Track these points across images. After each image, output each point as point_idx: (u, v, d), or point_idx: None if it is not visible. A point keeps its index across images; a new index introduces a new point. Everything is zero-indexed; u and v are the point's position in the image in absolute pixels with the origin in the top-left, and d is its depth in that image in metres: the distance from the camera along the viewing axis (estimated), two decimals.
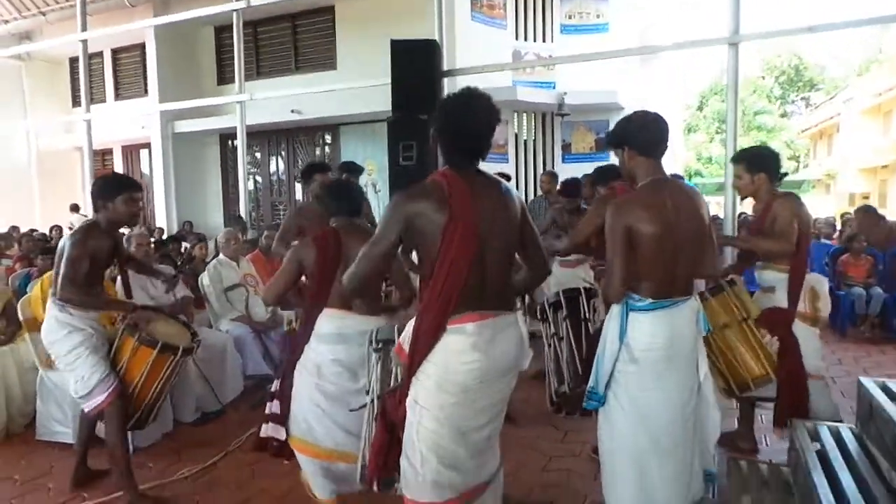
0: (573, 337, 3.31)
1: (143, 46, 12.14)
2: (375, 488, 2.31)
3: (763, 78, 34.58)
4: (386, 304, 2.86)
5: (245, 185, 8.18)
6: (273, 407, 2.93)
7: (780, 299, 3.25)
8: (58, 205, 12.51)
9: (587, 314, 3.30)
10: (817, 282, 3.28)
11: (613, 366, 2.26)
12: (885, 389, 2.51)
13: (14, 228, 9.85)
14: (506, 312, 2.08)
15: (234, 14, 7.89)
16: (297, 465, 3.42)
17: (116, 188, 3.08)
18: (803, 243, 3.20)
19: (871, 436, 2.45)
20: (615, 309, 2.28)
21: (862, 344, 6.26)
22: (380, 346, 2.43)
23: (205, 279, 5.02)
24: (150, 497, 3.13)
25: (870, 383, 2.58)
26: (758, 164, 3.28)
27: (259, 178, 12.52)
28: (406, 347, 2.08)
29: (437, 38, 6.54)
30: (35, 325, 4.01)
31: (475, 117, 2.04)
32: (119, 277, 3.56)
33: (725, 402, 3.52)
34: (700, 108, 34.44)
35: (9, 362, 4.15)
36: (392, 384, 2.35)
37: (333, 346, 2.64)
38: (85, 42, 8.63)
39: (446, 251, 1.95)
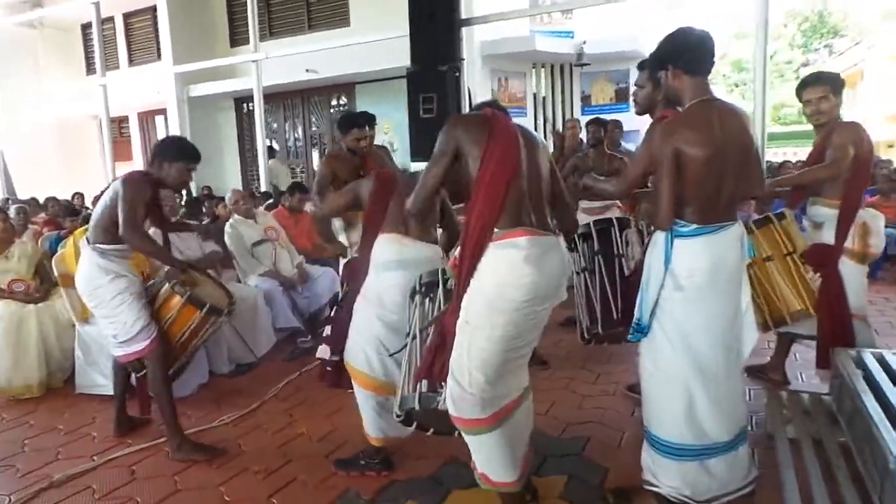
0: (606, 276, 3.25)
1: (154, 10, 12.03)
2: (416, 404, 2.29)
3: (785, 26, 33.52)
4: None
5: (263, 144, 8.15)
6: (328, 330, 3.02)
7: (829, 236, 3.09)
8: (77, 173, 12.60)
9: (621, 249, 3.21)
10: (871, 217, 3.12)
11: (658, 294, 2.22)
12: None
13: (33, 199, 9.93)
14: (551, 234, 2.17)
15: None
16: (337, 410, 3.52)
17: (180, 154, 3.08)
18: (861, 174, 3.01)
19: None
20: (659, 236, 2.24)
21: (893, 285, 6.17)
22: (423, 289, 2.42)
23: (227, 239, 5.05)
24: (195, 442, 3.18)
25: None
26: (840, 86, 3.11)
27: (275, 141, 12.47)
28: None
29: None
30: (69, 280, 4.04)
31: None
32: (161, 234, 3.54)
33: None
34: (721, 57, 33.53)
35: (45, 318, 4.21)
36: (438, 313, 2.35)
37: (394, 272, 2.65)
38: (97, 4, 8.55)
39: (487, 162, 2.11)
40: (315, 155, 12.21)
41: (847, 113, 3.20)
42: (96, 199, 7.98)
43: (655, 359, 2.28)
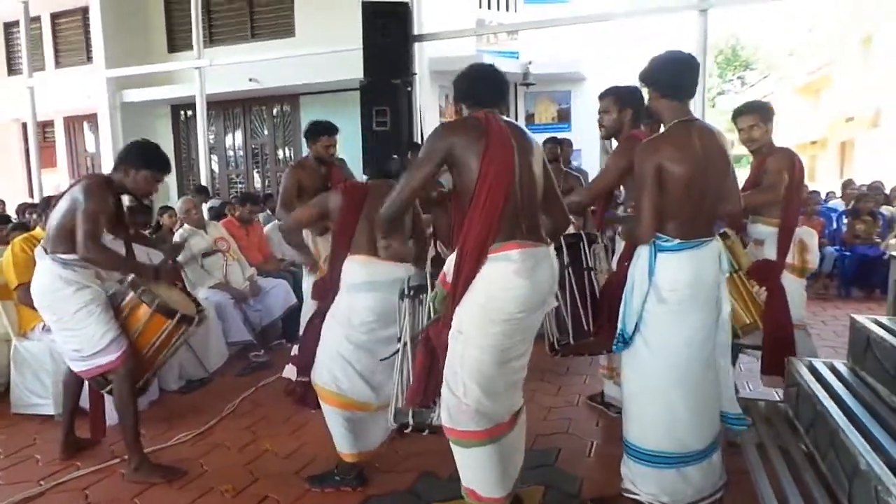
0: (577, 287, 3.31)
1: (85, 11, 11.46)
2: (410, 420, 2.30)
3: None
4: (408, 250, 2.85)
5: (206, 154, 7.92)
6: (295, 350, 2.98)
7: (770, 252, 3.32)
8: None
9: (590, 262, 3.29)
10: (806, 234, 3.37)
11: (642, 306, 2.30)
12: (879, 324, 2.67)
13: None
14: (542, 244, 2.19)
15: None
16: (302, 426, 3.44)
17: (147, 163, 2.93)
18: (795, 196, 3.25)
19: (868, 368, 2.61)
20: (643, 250, 2.32)
21: (817, 301, 6.59)
22: (412, 293, 2.41)
23: None
24: (154, 463, 3.03)
25: (863, 319, 2.73)
26: (771, 114, 3.32)
27: (214, 151, 12.08)
28: (450, 278, 2.15)
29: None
30: (6, 292, 3.80)
31: (486, 66, 2.38)
32: (125, 242, 3.29)
33: None
34: None
35: None
36: (427, 322, 2.34)
37: (366, 294, 2.62)
38: (26, 4, 8.11)
39: (485, 175, 2.07)
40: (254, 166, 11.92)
41: None
42: (27, 206, 7.53)
43: (637, 370, 2.34)
